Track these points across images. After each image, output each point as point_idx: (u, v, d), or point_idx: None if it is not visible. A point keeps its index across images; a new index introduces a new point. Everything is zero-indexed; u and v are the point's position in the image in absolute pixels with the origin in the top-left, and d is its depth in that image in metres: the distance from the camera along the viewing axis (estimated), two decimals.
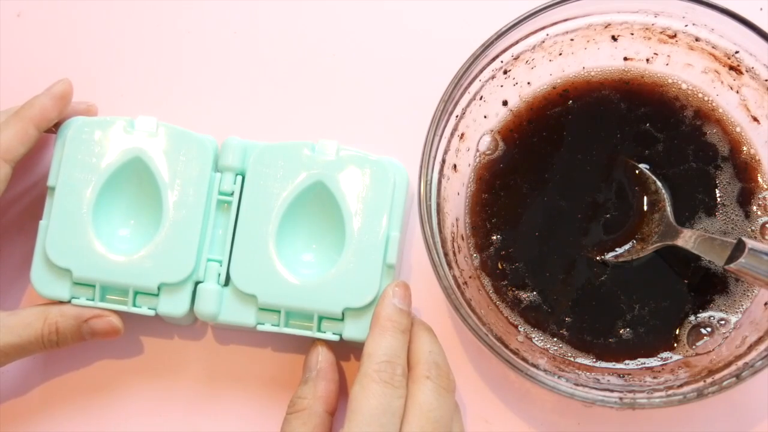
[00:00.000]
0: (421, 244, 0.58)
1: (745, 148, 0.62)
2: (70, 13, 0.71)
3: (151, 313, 0.62)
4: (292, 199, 0.63)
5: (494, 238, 0.63)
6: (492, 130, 0.64)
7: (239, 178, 0.63)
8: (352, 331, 0.61)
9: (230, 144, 0.64)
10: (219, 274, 0.63)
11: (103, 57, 0.70)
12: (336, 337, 0.61)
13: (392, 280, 0.62)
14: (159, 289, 0.62)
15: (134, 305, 0.62)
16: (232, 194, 0.63)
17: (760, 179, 0.62)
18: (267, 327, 0.62)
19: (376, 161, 0.63)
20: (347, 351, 0.64)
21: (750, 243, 0.55)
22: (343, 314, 0.61)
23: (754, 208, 0.62)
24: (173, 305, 0.62)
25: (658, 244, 0.60)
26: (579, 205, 0.62)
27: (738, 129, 0.62)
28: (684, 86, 0.63)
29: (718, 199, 0.62)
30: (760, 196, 0.62)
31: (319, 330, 0.62)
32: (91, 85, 0.70)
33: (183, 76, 0.70)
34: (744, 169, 0.62)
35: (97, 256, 0.62)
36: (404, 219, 0.63)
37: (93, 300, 0.62)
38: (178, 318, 0.63)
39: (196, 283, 0.63)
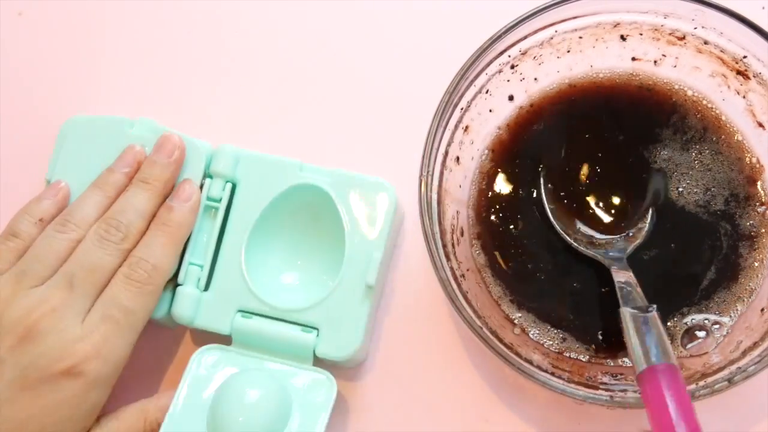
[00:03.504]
0: (418, 243, 0.58)
1: (747, 158, 0.62)
2: (71, 12, 0.72)
3: None
4: (278, 213, 0.63)
5: (497, 232, 0.63)
6: (499, 126, 0.64)
7: (228, 185, 0.64)
8: (327, 348, 0.61)
9: (223, 151, 0.64)
10: (199, 279, 0.63)
11: (103, 56, 0.71)
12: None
13: (371, 302, 0.61)
14: None
15: None
16: (219, 201, 0.63)
17: (758, 187, 0.62)
18: None
19: (363, 181, 0.63)
20: None
21: (648, 316, 0.56)
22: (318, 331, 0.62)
23: (751, 214, 0.62)
24: None
25: (591, 252, 0.61)
26: (582, 203, 0.63)
27: (740, 138, 0.62)
28: (690, 93, 0.63)
29: (716, 208, 0.62)
30: (758, 209, 0.62)
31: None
32: (92, 85, 0.71)
33: (182, 77, 0.70)
34: (744, 178, 0.62)
35: None
36: (390, 238, 0.63)
37: None
38: (158, 319, 0.63)
39: (176, 286, 0.63)
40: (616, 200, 0.63)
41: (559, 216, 0.62)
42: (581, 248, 0.61)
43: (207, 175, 0.64)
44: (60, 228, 0.61)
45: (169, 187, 0.63)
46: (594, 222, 0.63)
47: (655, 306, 0.56)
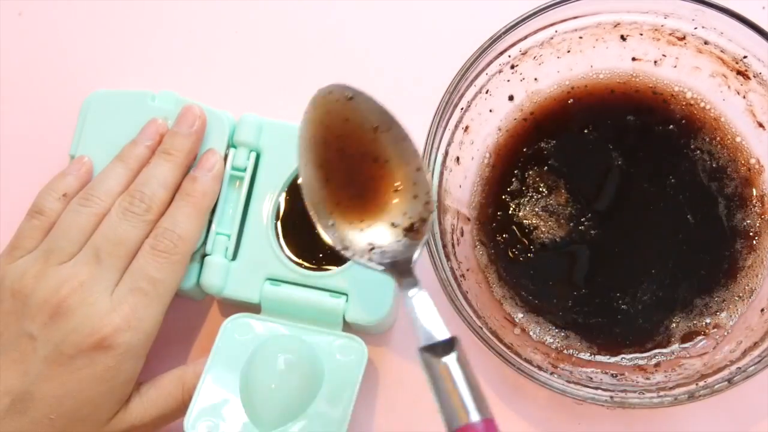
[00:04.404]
0: None
1: (746, 158, 0.62)
2: (72, 12, 0.72)
3: None
4: None
5: (499, 232, 0.63)
6: (499, 126, 0.64)
7: (253, 154, 0.64)
8: (356, 313, 0.61)
9: (246, 120, 0.64)
10: (227, 248, 0.63)
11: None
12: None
13: None
14: None
15: None
16: (244, 170, 0.64)
17: (758, 188, 0.62)
18: None
19: None
20: None
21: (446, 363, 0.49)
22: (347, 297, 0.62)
23: (750, 214, 0.62)
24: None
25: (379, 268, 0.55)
26: (585, 202, 0.63)
27: (738, 139, 0.62)
28: (689, 94, 0.63)
29: (714, 208, 0.62)
30: (757, 210, 0.62)
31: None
32: (113, 59, 0.71)
33: (203, 49, 0.71)
34: (743, 179, 0.62)
35: None
36: None
37: None
38: (186, 291, 0.63)
39: (204, 257, 0.63)
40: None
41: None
42: (371, 265, 0.55)
43: (231, 145, 0.65)
44: (84, 202, 0.61)
45: (191, 157, 0.63)
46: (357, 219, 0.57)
47: (455, 341, 0.49)
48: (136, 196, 0.61)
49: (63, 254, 0.59)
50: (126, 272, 0.59)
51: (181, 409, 0.60)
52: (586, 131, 0.63)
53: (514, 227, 0.63)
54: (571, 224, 0.62)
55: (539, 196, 0.63)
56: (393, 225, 0.56)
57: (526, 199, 0.63)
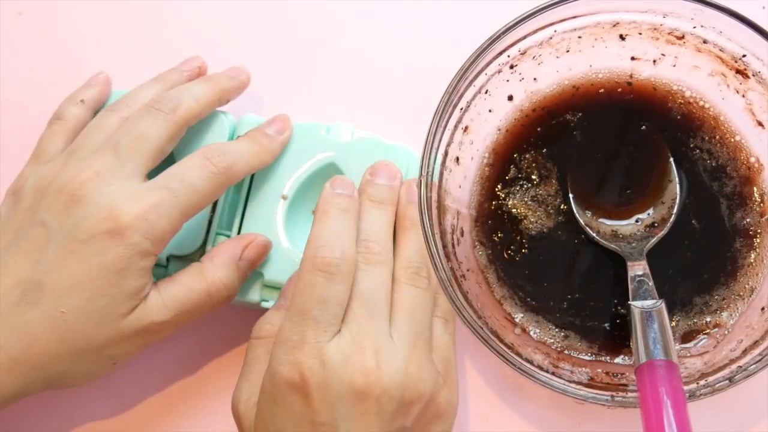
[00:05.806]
0: None
1: (746, 157, 0.62)
2: (72, 12, 0.72)
3: None
4: (304, 178, 0.64)
5: (499, 233, 0.63)
6: (498, 126, 0.64)
7: None
8: None
9: (247, 121, 0.65)
10: None
11: (105, 56, 0.71)
12: None
13: None
14: (168, 260, 0.63)
15: None
16: None
17: (758, 186, 0.62)
18: (271, 304, 0.62)
19: (389, 146, 0.63)
20: None
21: (654, 312, 0.56)
22: None
23: (750, 213, 0.62)
24: None
25: (612, 245, 0.61)
26: (586, 202, 0.63)
27: (738, 137, 0.62)
28: (688, 93, 0.63)
29: (714, 206, 0.62)
30: (757, 208, 0.62)
31: None
32: (113, 61, 0.71)
33: (203, 47, 0.70)
34: (743, 177, 0.62)
35: None
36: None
37: None
38: None
39: None
40: (629, 193, 0.63)
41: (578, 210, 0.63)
42: (603, 241, 0.61)
43: None
44: (113, 107, 0.61)
45: (229, 95, 0.63)
46: (612, 215, 0.63)
47: (663, 300, 0.56)
48: (163, 97, 0.59)
49: (84, 153, 0.58)
50: (163, 172, 0.57)
51: (206, 303, 0.58)
52: (584, 131, 0.63)
53: (515, 227, 0.63)
54: (575, 223, 0.62)
55: (537, 195, 0.63)
56: (637, 221, 0.62)
57: (531, 201, 0.63)
